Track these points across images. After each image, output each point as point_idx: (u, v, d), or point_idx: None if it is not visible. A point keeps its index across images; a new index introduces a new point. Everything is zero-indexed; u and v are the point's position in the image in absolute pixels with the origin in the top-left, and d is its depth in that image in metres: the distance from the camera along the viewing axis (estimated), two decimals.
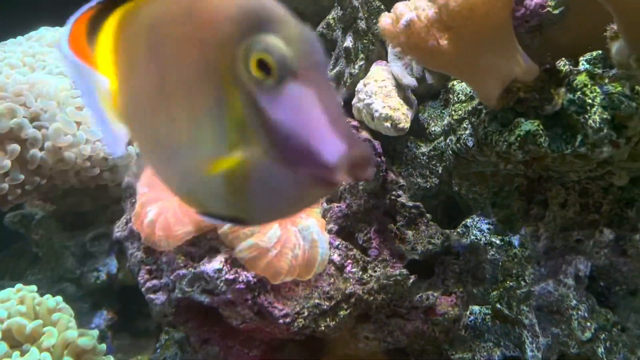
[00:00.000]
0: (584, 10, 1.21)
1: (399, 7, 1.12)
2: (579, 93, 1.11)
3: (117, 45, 0.53)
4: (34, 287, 1.24)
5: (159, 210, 1.10)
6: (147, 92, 0.50)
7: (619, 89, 1.10)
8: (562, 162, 1.16)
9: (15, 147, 1.30)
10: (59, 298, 1.24)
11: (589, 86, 1.11)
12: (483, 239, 1.38)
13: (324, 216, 1.20)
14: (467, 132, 1.40)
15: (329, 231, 1.17)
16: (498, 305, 1.29)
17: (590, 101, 1.10)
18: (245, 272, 1.06)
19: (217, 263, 1.06)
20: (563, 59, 1.29)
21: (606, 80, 1.19)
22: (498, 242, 1.37)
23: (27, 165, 1.32)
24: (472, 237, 1.40)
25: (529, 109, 1.14)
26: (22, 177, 1.31)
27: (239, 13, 0.43)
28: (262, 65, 0.42)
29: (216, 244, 1.09)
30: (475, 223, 1.43)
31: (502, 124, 1.17)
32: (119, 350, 1.57)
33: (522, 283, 1.29)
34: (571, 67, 1.25)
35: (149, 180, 1.17)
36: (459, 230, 1.46)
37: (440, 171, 1.58)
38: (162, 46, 0.48)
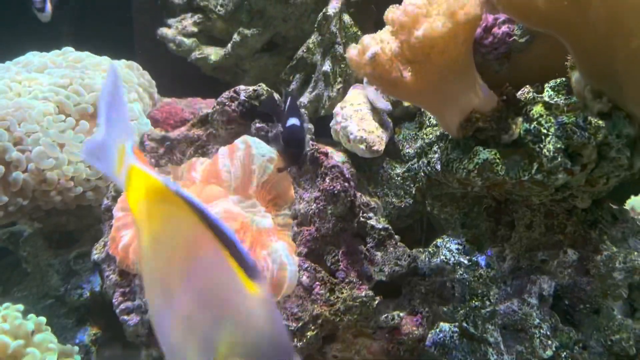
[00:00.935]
0: (549, 39, 1.26)
1: (365, 39, 1.18)
2: (534, 123, 1.17)
3: (136, 208, 0.59)
4: (21, 307, 1.29)
5: (133, 234, 1.15)
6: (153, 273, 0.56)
7: (573, 119, 1.16)
8: (521, 187, 1.21)
9: (0, 168, 1.35)
10: (42, 319, 1.29)
11: (545, 116, 1.17)
12: (452, 258, 1.43)
13: (294, 239, 1.25)
14: (437, 155, 1.46)
15: (299, 254, 1.22)
16: (464, 324, 1.34)
17: (545, 131, 1.16)
18: None
19: None
20: (528, 86, 1.34)
21: (564, 109, 1.24)
22: (466, 262, 1.41)
23: (10, 188, 1.37)
24: (442, 257, 1.44)
25: (488, 137, 1.20)
26: (6, 199, 1.36)
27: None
28: None
29: None
30: (445, 243, 1.48)
31: (464, 152, 1.23)
32: None
33: (487, 302, 1.33)
34: (535, 94, 1.30)
35: (124, 204, 1.22)
36: (430, 249, 1.51)
37: (414, 192, 1.64)
38: (167, 250, 0.54)
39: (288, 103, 1.25)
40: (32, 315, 1.29)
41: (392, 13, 1.12)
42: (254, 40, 1.90)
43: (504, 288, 1.39)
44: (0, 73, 1.55)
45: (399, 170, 1.68)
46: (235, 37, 1.88)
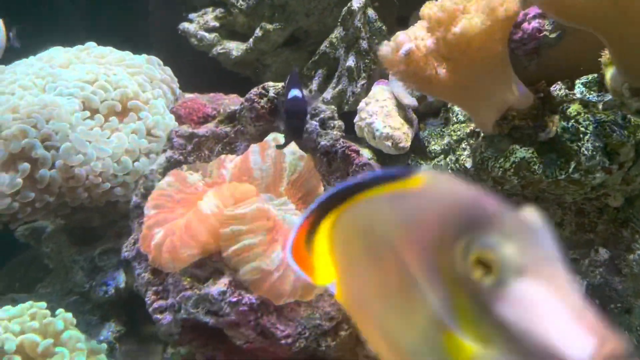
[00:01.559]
0: (580, 34, 1.24)
1: (399, 36, 1.16)
2: (572, 121, 1.15)
3: (333, 248, 0.54)
4: (44, 304, 1.28)
5: (166, 233, 1.14)
6: (368, 292, 0.50)
7: (612, 117, 1.14)
8: (556, 186, 1.19)
9: (26, 165, 1.34)
10: (70, 316, 1.28)
11: (582, 114, 1.15)
12: None
13: None
14: (466, 153, 1.44)
15: None
16: None
17: (583, 129, 1.14)
18: (249, 295, 1.10)
19: (221, 285, 1.10)
20: (559, 83, 1.32)
21: (600, 107, 1.22)
22: None
23: (37, 184, 1.36)
24: None
25: (523, 135, 1.18)
26: (33, 195, 1.36)
27: (453, 214, 0.41)
28: (483, 264, 0.39)
29: (221, 266, 1.13)
30: None
31: (499, 150, 1.21)
32: (127, 356, 1.61)
33: None
34: (567, 91, 1.28)
35: (156, 202, 1.21)
36: None
37: None
38: (378, 249, 0.48)
39: (289, 77, 1.23)
40: (61, 311, 1.29)
41: (428, 9, 1.10)
42: (276, 35, 1.89)
43: None
44: (24, 69, 1.54)
45: (424, 167, 1.67)
46: (258, 32, 1.86)
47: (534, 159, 1.16)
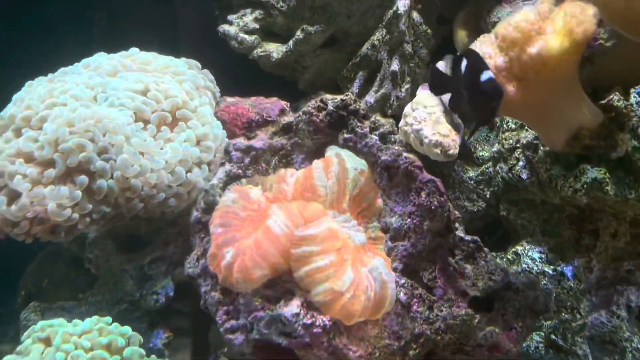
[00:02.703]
0: (631, 42, 1.23)
1: None
2: None
3: None
4: (109, 319, 1.29)
5: (236, 252, 1.14)
6: None
7: None
8: (623, 204, 1.19)
9: (84, 178, 1.34)
10: (130, 331, 1.29)
11: None
12: (535, 267, 1.42)
13: (388, 254, 1.24)
14: (521, 163, 1.44)
15: (394, 269, 1.21)
16: (552, 337, 1.34)
17: None
18: (322, 316, 1.10)
19: (294, 307, 1.10)
20: (617, 94, 1.32)
21: None
22: (550, 271, 1.40)
23: (95, 196, 1.36)
24: (524, 266, 1.44)
25: (594, 154, 1.18)
26: (90, 206, 1.36)
27: None
28: None
29: (291, 287, 1.13)
30: (526, 251, 1.46)
31: (566, 168, 1.21)
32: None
33: (578, 316, 1.33)
34: (625, 102, 1.28)
35: (222, 220, 1.21)
36: (509, 256, 1.51)
37: (487, 195, 1.62)
38: None
39: (468, 59, 1.16)
40: (127, 329, 1.29)
41: (503, 29, 1.09)
42: (317, 37, 1.87)
43: (589, 298, 1.38)
44: (73, 78, 1.52)
45: (472, 174, 1.66)
46: (299, 34, 1.85)
47: (606, 180, 1.16)
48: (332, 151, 1.32)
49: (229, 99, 1.84)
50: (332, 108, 1.35)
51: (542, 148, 1.32)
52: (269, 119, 1.74)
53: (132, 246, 1.68)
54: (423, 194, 1.23)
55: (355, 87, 1.87)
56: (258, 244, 1.13)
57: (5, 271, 1.99)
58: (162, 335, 1.61)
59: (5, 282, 2.04)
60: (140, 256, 1.63)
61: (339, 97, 1.37)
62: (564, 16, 1.03)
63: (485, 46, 1.17)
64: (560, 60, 1.06)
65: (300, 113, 1.39)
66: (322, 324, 1.10)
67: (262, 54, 1.89)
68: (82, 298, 1.64)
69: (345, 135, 1.35)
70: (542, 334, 1.38)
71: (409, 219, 1.24)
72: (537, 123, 1.21)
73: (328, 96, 1.38)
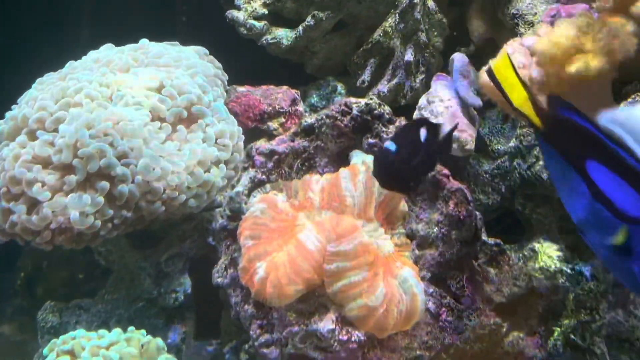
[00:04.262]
0: None
1: None
2: None
3: None
4: (144, 332, 1.29)
5: (268, 266, 1.14)
6: None
7: None
8: None
9: (105, 184, 1.32)
10: (160, 341, 1.29)
11: None
12: (553, 266, 1.44)
13: (415, 262, 1.25)
14: (541, 163, 1.44)
15: (422, 278, 1.22)
16: (572, 336, 1.36)
17: None
18: (357, 332, 1.11)
19: (329, 322, 1.11)
20: (638, 94, 1.31)
21: None
22: (568, 271, 1.42)
23: (116, 201, 1.34)
24: (542, 264, 1.45)
25: None
26: (112, 212, 1.34)
27: None
28: None
29: (325, 301, 1.14)
30: (544, 249, 1.48)
31: None
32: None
33: (597, 317, 1.35)
34: None
35: (252, 232, 1.20)
36: (524, 252, 1.52)
37: (503, 189, 1.62)
38: None
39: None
40: (159, 341, 1.30)
41: (541, 44, 1.08)
42: (327, 23, 1.83)
43: (608, 299, 1.41)
44: (85, 76, 1.48)
45: (487, 167, 1.66)
46: (309, 20, 1.80)
47: None
48: (357, 158, 1.31)
49: (240, 89, 1.80)
50: (356, 113, 1.33)
51: None
52: (280, 110, 1.72)
53: (146, 241, 1.67)
54: (451, 203, 1.23)
55: (366, 75, 1.85)
56: (292, 260, 1.13)
57: (3, 248, 1.98)
58: (179, 331, 1.62)
59: (3, 260, 2.04)
60: (155, 252, 1.62)
61: (363, 102, 1.35)
62: (606, 36, 1.02)
63: (517, 54, 1.16)
64: (598, 78, 1.05)
65: (323, 116, 1.37)
66: (357, 339, 1.11)
67: (272, 41, 1.85)
68: (98, 296, 1.63)
69: (370, 140, 1.34)
70: (560, 330, 1.41)
71: (436, 228, 1.24)
72: None
73: (352, 100, 1.36)
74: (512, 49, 1.17)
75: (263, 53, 1.95)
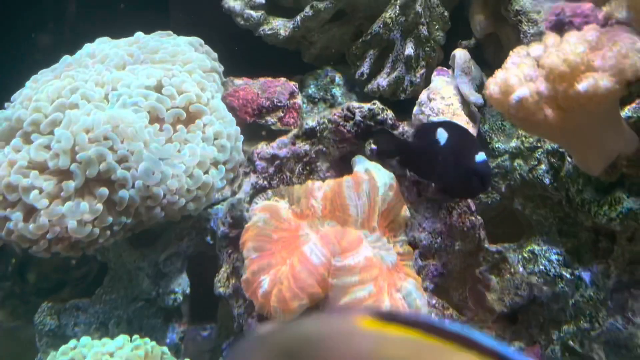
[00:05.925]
0: None
1: (510, 78, 1.11)
2: None
3: None
4: (154, 343, 1.29)
5: (272, 280, 1.14)
6: None
7: None
8: None
9: (104, 190, 1.29)
10: (165, 349, 1.29)
11: None
12: (552, 270, 1.44)
13: (418, 272, 1.24)
14: (543, 167, 1.43)
15: (425, 289, 1.22)
16: (570, 343, 1.38)
17: None
18: None
19: None
20: None
21: None
22: (568, 275, 1.42)
23: (116, 207, 1.32)
24: (541, 267, 1.45)
25: (631, 183, 1.18)
26: (111, 219, 1.32)
27: None
28: None
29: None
30: (543, 252, 1.48)
31: (598, 191, 1.21)
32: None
33: (596, 325, 1.36)
34: None
35: (255, 243, 1.19)
36: (524, 254, 1.52)
37: (503, 189, 1.61)
38: None
39: (443, 134, 1.18)
40: (165, 349, 1.30)
41: (549, 59, 1.05)
42: (326, 13, 1.79)
43: (607, 306, 1.41)
44: (81, 74, 1.44)
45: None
46: (307, 10, 1.77)
47: None
48: (360, 165, 1.30)
49: (237, 81, 1.77)
50: (359, 118, 1.31)
51: (569, 159, 1.32)
52: (279, 104, 1.70)
53: (144, 241, 1.65)
54: (454, 214, 1.22)
55: (365, 67, 1.81)
56: (296, 274, 1.12)
57: None
58: (177, 330, 1.62)
59: None
60: (153, 251, 1.60)
61: (366, 107, 1.33)
62: (617, 54, 1.00)
63: (525, 67, 1.14)
64: (607, 97, 1.03)
65: (325, 120, 1.35)
66: None
67: (269, 32, 1.81)
68: (95, 296, 1.62)
69: (373, 147, 1.32)
70: (558, 335, 1.42)
71: (439, 238, 1.24)
72: (574, 148, 1.19)
73: (354, 104, 1.33)
74: (519, 57, 1.15)
75: (259, 41, 1.91)
